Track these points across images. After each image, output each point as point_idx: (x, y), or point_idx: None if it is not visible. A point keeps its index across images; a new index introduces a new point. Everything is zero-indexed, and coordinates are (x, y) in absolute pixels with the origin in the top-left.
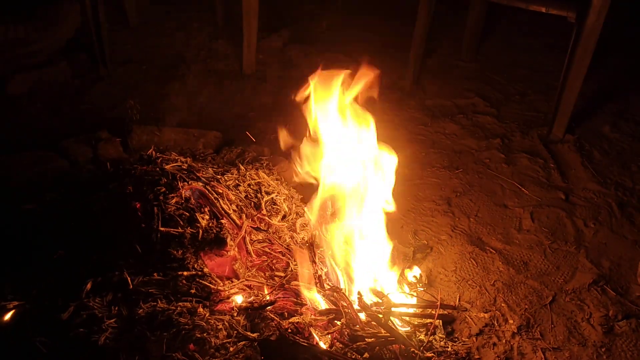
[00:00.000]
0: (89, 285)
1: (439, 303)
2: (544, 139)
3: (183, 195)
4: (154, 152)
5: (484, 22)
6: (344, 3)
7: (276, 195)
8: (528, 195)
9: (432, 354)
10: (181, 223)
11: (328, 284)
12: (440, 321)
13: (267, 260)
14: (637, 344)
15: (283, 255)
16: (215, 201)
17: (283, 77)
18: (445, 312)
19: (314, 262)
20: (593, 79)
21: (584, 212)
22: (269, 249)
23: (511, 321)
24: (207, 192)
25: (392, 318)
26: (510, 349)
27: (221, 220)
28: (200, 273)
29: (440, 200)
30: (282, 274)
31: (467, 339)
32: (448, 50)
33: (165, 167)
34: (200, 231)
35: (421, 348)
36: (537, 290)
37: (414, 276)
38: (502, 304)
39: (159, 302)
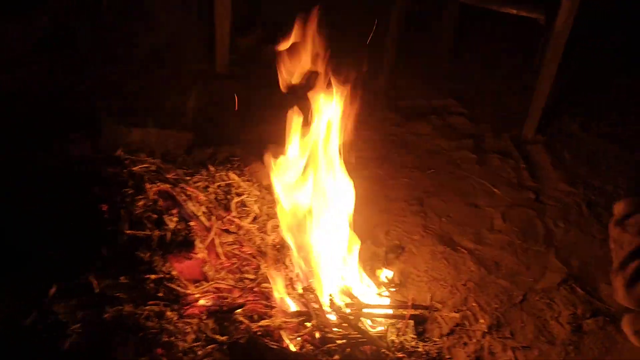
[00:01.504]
0: (53, 290)
1: (410, 303)
2: (515, 140)
3: (151, 197)
4: (122, 154)
5: (458, 24)
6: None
7: (247, 197)
8: (499, 195)
9: (403, 355)
10: (149, 225)
11: (300, 286)
12: (412, 321)
13: (237, 263)
14: (604, 342)
15: (253, 258)
16: (184, 203)
17: (257, 77)
18: (417, 312)
19: (284, 264)
20: (563, 80)
21: (554, 212)
22: (239, 251)
23: (482, 320)
24: (175, 193)
25: (363, 319)
26: (480, 349)
27: (190, 223)
28: (168, 276)
29: (413, 200)
30: (253, 277)
31: (438, 339)
32: (423, 51)
33: (133, 168)
34: (168, 233)
35: (392, 348)
36: (508, 289)
37: (386, 276)
38: (473, 304)
39: (126, 306)
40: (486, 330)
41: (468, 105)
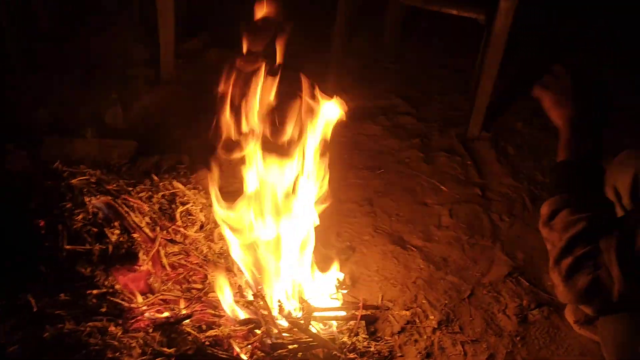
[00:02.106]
0: None
1: (361, 304)
2: (462, 137)
3: (90, 211)
4: (60, 166)
5: (402, 24)
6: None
7: (192, 205)
8: (447, 192)
9: (355, 355)
10: (89, 239)
11: (248, 293)
12: (363, 322)
13: (183, 273)
14: (549, 331)
15: (200, 267)
16: (126, 215)
17: (203, 82)
18: (368, 312)
19: (232, 271)
20: (506, 77)
21: (499, 207)
22: (185, 261)
23: (432, 317)
24: (116, 205)
25: (314, 322)
26: (431, 345)
27: (133, 235)
28: (111, 290)
29: (363, 201)
30: (200, 286)
31: (389, 338)
32: (369, 52)
33: (72, 181)
34: (110, 247)
35: (344, 350)
36: (456, 285)
37: (337, 278)
38: (423, 301)
39: (67, 323)
40: (436, 326)
41: (414, 104)
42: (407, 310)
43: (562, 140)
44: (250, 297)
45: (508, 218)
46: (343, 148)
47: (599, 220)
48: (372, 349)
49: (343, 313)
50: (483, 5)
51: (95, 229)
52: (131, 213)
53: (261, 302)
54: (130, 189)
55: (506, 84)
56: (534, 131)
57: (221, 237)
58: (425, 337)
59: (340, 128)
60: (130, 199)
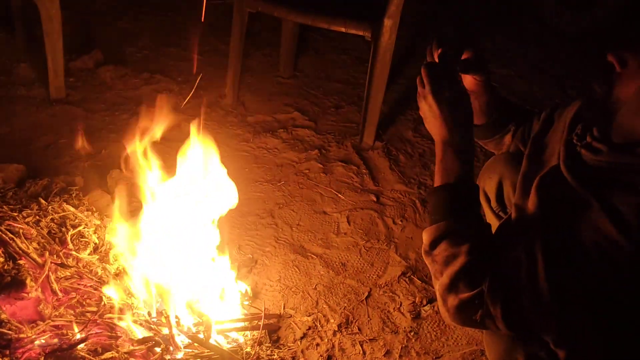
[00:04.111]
0: None
1: (263, 314)
2: (357, 147)
3: None
4: None
5: (298, 40)
6: (162, 23)
7: (84, 228)
8: (344, 200)
9: None
10: None
11: (145, 311)
12: (266, 331)
13: (76, 297)
14: (440, 324)
15: (95, 289)
16: (11, 241)
17: (97, 101)
18: (270, 321)
19: (128, 291)
20: (395, 89)
21: (392, 211)
22: (79, 284)
23: (332, 320)
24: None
25: (217, 336)
26: (332, 347)
27: (19, 261)
28: None
29: (264, 213)
30: (95, 309)
31: (292, 344)
32: (266, 67)
33: None
34: None
35: None
36: (355, 288)
37: (239, 291)
38: (324, 306)
39: None
40: (336, 329)
41: (312, 117)
42: (308, 316)
43: (436, 163)
44: (149, 316)
45: (401, 221)
46: (244, 162)
47: (478, 252)
48: (275, 357)
49: (244, 324)
50: (369, 23)
51: None
52: (16, 239)
53: (163, 319)
54: (16, 214)
55: (396, 95)
56: (423, 139)
57: (116, 258)
58: (326, 340)
59: (241, 142)
60: (15, 225)
